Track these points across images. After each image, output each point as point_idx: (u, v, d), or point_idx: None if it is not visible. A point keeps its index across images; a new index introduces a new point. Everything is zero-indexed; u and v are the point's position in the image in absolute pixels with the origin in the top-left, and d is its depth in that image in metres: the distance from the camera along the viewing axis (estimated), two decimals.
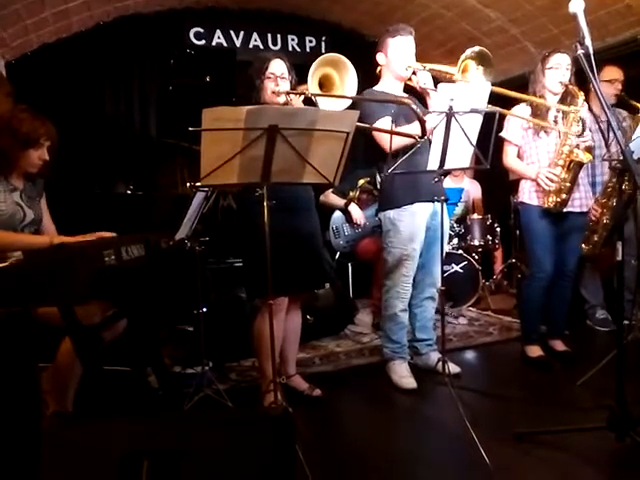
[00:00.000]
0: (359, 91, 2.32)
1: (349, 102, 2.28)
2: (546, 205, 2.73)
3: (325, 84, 2.29)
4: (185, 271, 2.60)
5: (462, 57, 2.46)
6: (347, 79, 2.28)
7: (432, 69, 2.58)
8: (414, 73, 2.61)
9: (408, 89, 2.75)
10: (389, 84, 2.72)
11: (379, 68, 2.74)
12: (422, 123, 2.27)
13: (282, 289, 2.24)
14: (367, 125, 2.46)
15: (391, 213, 2.69)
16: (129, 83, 4.38)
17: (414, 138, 2.29)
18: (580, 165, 2.65)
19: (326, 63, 2.24)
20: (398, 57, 2.64)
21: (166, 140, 3.92)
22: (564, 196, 2.69)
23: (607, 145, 2.62)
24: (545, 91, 2.76)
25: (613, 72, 3.29)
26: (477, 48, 2.48)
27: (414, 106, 2.26)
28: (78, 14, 3.90)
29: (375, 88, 2.73)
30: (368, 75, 2.39)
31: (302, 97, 2.27)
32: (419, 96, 2.66)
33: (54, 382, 2.07)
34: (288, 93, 2.28)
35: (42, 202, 2.25)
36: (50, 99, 4.00)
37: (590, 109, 2.83)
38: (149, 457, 1.20)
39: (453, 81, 2.41)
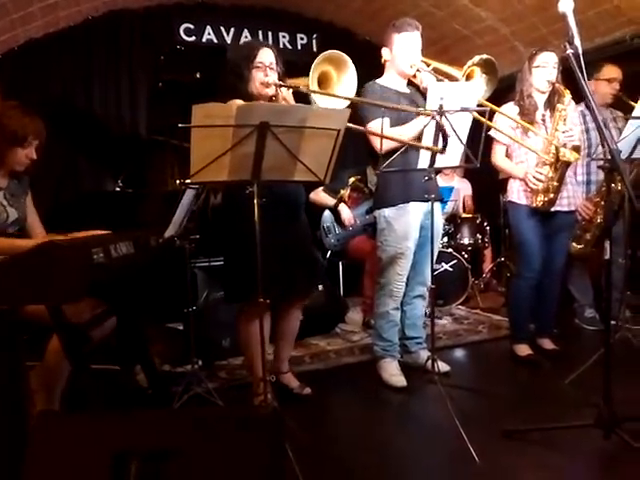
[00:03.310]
0: (357, 88, 2.28)
1: (345, 101, 2.22)
2: (534, 204, 2.75)
3: (323, 81, 2.23)
4: (174, 269, 2.58)
5: (469, 63, 2.46)
6: (345, 78, 2.21)
7: (436, 68, 2.57)
8: (418, 70, 2.60)
9: (412, 84, 2.73)
10: (392, 79, 2.70)
11: (383, 61, 2.71)
12: (444, 137, 2.13)
13: (271, 293, 2.06)
14: (360, 127, 2.44)
15: (386, 211, 2.69)
16: (118, 79, 4.33)
17: (434, 150, 2.20)
18: (567, 164, 2.67)
19: (326, 60, 2.17)
20: (403, 54, 2.62)
21: (156, 137, 3.89)
22: (552, 195, 2.71)
23: (603, 143, 2.64)
24: (532, 89, 2.78)
25: (612, 71, 3.26)
26: (485, 56, 2.49)
27: (437, 119, 2.14)
28: (66, 9, 3.85)
29: (378, 81, 2.71)
30: (359, 74, 2.37)
31: (291, 90, 2.20)
32: (422, 92, 2.65)
33: (42, 381, 2.05)
34: (279, 86, 2.20)
35: (28, 200, 2.21)
36: (37, 95, 3.95)
37: (587, 106, 2.84)
38: (137, 456, 1.19)
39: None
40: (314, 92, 2.15)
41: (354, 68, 2.20)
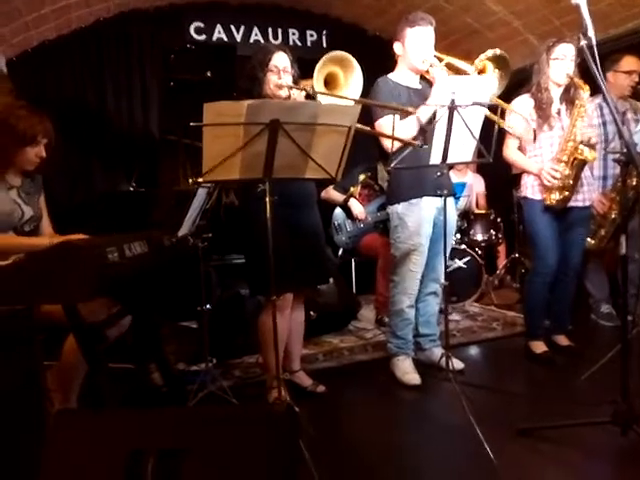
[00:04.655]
0: (364, 86, 2.30)
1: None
2: (548, 202, 2.71)
3: (330, 82, 2.28)
4: (188, 268, 2.59)
5: (482, 57, 2.44)
6: (352, 79, 2.26)
7: (449, 63, 2.55)
8: (431, 65, 2.59)
9: (425, 79, 2.72)
10: (404, 74, 2.69)
11: (396, 56, 2.70)
12: (423, 132, 2.21)
13: (285, 285, 2.24)
14: (367, 128, 2.43)
15: (399, 207, 2.67)
16: (130, 79, 4.36)
17: (413, 145, 2.25)
18: (584, 163, 2.63)
19: (333, 61, 2.22)
20: (415, 49, 2.59)
21: (168, 136, 3.91)
22: (567, 193, 2.67)
23: (620, 137, 2.59)
24: (549, 82, 2.72)
25: (632, 63, 3.20)
26: (498, 51, 2.46)
27: (417, 114, 2.21)
28: (78, 10, 3.88)
29: (390, 76, 2.69)
30: (369, 70, 2.37)
31: (304, 92, 2.25)
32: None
33: (59, 380, 2.07)
34: (291, 88, 2.25)
35: (41, 199, 2.23)
36: (51, 96, 4.00)
37: (604, 99, 2.80)
38: (153, 455, 1.19)
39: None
40: (321, 93, 2.19)
41: (360, 68, 2.25)
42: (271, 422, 1.29)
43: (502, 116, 2.61)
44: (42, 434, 1.55)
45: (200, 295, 2.49)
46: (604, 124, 3.19)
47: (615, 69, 3.20)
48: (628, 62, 3.21)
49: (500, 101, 2.49)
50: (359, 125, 1.89)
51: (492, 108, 2.37)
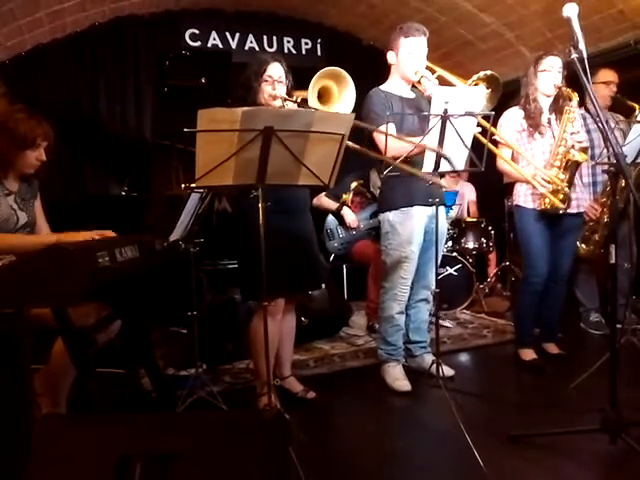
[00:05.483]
0: (358, 96, 2.32)
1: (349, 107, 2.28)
2: (543, 206, 2.73)
3: (324, 95, 2.31)
4: (179, 273, 2.59)
5: (474, 77, 2.48)
6: (345, 93, 2.30)
7: (441, 76, 2.57)
8: (422, 77, 2.61)
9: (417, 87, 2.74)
10: (396, 84, 2.71)
11: (389, 65, 2.72)
12: (438, 157, 2.17)
13: (277, 291, 2.24)
14: (357, 147, 2.44)
15: (390, 215, 2.69)
16: (124, 84, 4.37)
17: (425, 179, 2.26)
18: (577, 165, 2.66)
19: (327, 76, 2.26)
20: (409, 59, 2.62)
21: (161, 141, 3.91)
22: (561, 197, 2.70)
23: (607, 145, 2.63)
24: (538, 93, 2.78)
25: (608, 75, 3.32)
26: (489, 72, 2.50)
27: (429, 146, 2.22)
28: (73, 14, 3.89)
29: (382, 87, 2.71)
30: (363, 79, 2.38)
31: (297, 104, 2.27)
32: (427, 97, 2.65)
33: (47, 384, 2.05)
34: (285, 99, 2.28)
35: (36, 203, 2.23)
36: (45, 99, 3.98)
37: (588, 110, 2.84)
38: (141, 460, 1.19)
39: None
40: (316, 110, 2.21)
41: (353, 84, 2.28)
42: (261, 428, 1.29)
43: (495, 124, 2.64)
44: (29, 439, 1.53)
45: (190, 300, 2.48)
46: (588, 132, 3.24)
47: (593, 81, 3.27)
48: (605, 74, 3.32)
49: (486, 123, 2.52)
50: (350, 143, 1.91)
51: (485, 118, 2.39)
